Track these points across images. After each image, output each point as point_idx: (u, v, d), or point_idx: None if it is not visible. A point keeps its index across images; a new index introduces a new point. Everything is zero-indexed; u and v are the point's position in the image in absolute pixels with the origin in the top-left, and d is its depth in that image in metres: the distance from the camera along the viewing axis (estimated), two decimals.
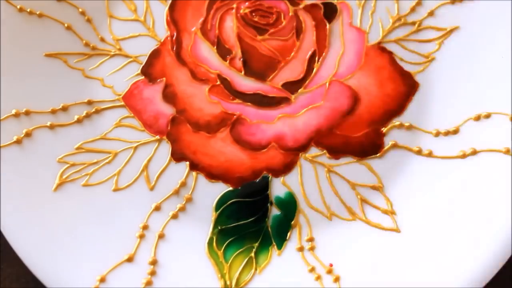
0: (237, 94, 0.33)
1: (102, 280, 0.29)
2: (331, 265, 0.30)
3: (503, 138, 0.31)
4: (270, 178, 0.32)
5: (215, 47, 0.34)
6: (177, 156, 0.32)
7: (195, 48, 0.34)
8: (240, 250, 0.30)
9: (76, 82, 0.33)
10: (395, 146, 0.32)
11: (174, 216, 0.31)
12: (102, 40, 0.34)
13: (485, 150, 0.31)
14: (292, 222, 0.31)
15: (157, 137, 0.33)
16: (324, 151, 0.32)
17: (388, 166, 0.32)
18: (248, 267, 0.30)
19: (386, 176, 0.32)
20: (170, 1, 0.35)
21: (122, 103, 0.33)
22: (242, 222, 0.31)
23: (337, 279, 0.30)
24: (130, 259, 0.30)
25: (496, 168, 0.30)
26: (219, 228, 0.31)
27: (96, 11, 0.34)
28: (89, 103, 0.33)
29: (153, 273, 0.30)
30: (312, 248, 0.30)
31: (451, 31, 0.33)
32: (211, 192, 0.32)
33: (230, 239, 0.31)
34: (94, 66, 0.34)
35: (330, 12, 0.34)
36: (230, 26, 0.34)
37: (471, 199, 0.30)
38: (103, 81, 0.34)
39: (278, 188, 0.32)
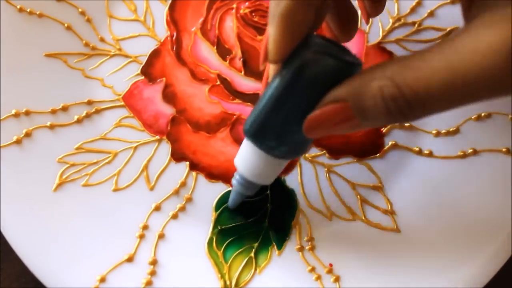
0: (237, 94, 0.33)
1: (102, 280, 0.29)
2: (331, 265, 0.30)
3: (503, 138, 0.31)
4: None
5: (215, 47, 0.34)
6: (177, 156, 0.32)
7: (195, 48, 0.34)
8: (240, 250, 0.30)
9: (76, 82, 0.33)
10: (395, 146, 0.32)
11: (174, 216, 0.31)
12: (102, 40, 0.34)
13: (485, 150, 0.31)
14: (292, 222, 0.31)
15: (157, 137, 0.33)
16: (324, 151, 0.32)
17: (388, 166, 0.32)
18: (248, 267, 0.30)
19: (386, 176, 0.32)
20: (170, 1, 0.35)
21: (122, 103, 0.33)
22: (242, 222, 0.31)
23: (337, 279, 0.29)
24: (130, 259, 0.30)
25: (496, 168, 0.30)
26: (219, 228, 0.31)
27: (96, 11, 0.34)
28: (89, 103, 0.33)
29: (153, 273, 0.30)
30: (312, 248, 0.30)
31: (451, 31, 0.33)
32: (211, 192, 0.31)
33: (230, 239, 0.31)
34: (94, 66, 0.34)
35: None
36: (230, 26, 0.34)
37: (471, 199, 0.30)
38: (103, 81, 0.34)
39: (278, 188, 0.32)
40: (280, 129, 0.24)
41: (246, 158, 0.26)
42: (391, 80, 0.19)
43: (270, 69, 0.25)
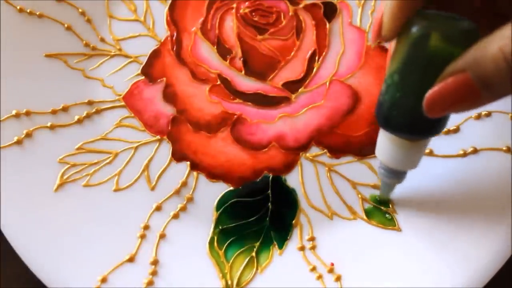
0: (237, 93, 0.33)
1: (104, 280, 0.29)
2: (332, 264, 0.30)
3: (503, 136, 0.31)
4: (270, 177, 0.32)
5: (215, 47, 0.34)
6: (178, 156, 0.32)
7: (195, 48, 0.34)
8: (241, 249, 0.30)
9: (76, 83, 0.33)
10: None
11: (175, 216, 0.31)
12: (102, 40, 0.34)
13: (486, 149, 0.31)
14: (293, 222, 0.31)
15: (158, 137, 0.33)
16: (325, 150, 0.32)
17: None
18: (249, 266, 0.30)
19: None
20: (170, 1, 0.35)
21: (123, 103, 0.33)
22: (243, 221, 0.31)
23: (338, 278, 0.30)
24: (131, 259, 0.30)
25: (497, 166, 0.30)
26: (220, 227, 0.31)
27: (96, 12, 0.34)
28: (90, 103, 0.33)
29: (154, 273, 0.30)
30: (313, 248, 0.30)
31: None
32: (212, 192, 0.32)
33: (231, 239, 0.31)
34: (94, 67, 0.34)
35: (330, 12, 0.35)
36: (230, 26, 0.34)
37: (471, 198, 0.30)
38: (103, 82, 0.34)
39: (278, 187, 0.32)
40: (409, 110, 0.23)
41: (384, 147, 0.26)
42: (510, 37, 0.18)
43: (391, 48, 0.24)
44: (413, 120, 0.23)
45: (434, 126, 0.24)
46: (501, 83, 0.19)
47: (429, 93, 0.21)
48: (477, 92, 0.20)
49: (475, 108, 0.21)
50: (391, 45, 0.25)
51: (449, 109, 0.21)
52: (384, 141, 0.26)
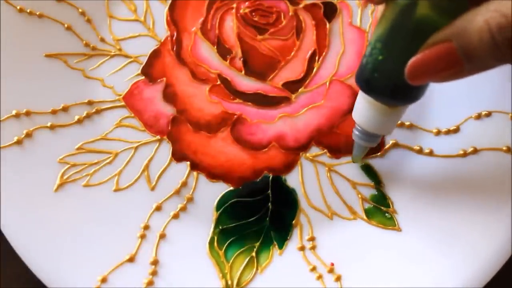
0: (237, 93, 0.33)
1: (104, 280, 0.29)
2: (332, 264, 0.30)
3: (503, 136, 0.31)
4: (270, 177, 0.32)
5: (215, 47, 0.34)
6: (178, 156, 0.32)
7: (195, 48, 0.34)
8: (241, 249, 0.30)
9: (76, 83, 0.33)
10: (395, 145, 0.32)
11: (175, 216, 0.31)
12: (102, 40, 0.34)
13: (486, 149, 0.31)
14: (293, 222, 0.31)
15: (158, 137, 0.33)
16: (325, 150, 0.32)
17: (389, 165, 0.32)
18: (249, 266, 0.30)
19: (387, 175, 0.32)
20: (170, 1, 0.35)
21: (123, 103, 0.33)
22: (243, 221, 0.31)
23: (338, 278, 0.30)
24: (131, 259, 0.30)
25: (497, 167, 0.30)
26: (220, 228, 0.31)
27: (96, 12, 0.34)
28: (90, 103, 0.33)
29: (154, 273, 0.30)
30: (313, 248, 0.30)
31: None
32: (212, 192, 0.32)
33: (231, 239, 0.31)
34: (94, 67, 0.34)
35: (330, 12, 0.35)
36: (230, 26, 0.34)
37: (471, 198, 0.30)
38: (103, 82, 0.34)
39: (278, 187, 0.32)
40: (390, 75, 0.23)
41: (362, 109, 0.26)
42: (496, 11, 0.18)
43: (378, 13, 0.24)
44: (394, 85, 0.24)
45: (414, 93, 0.24)
46: (484, 56, 0.19)
47: (413, 59, 0.21)
48: (460, 62, 0.20)
49: (457, 79, 0.21)
50: (377, 9, 0.25)
51: (431, 78, 0.21)
52: (363, 104, 0.26)
